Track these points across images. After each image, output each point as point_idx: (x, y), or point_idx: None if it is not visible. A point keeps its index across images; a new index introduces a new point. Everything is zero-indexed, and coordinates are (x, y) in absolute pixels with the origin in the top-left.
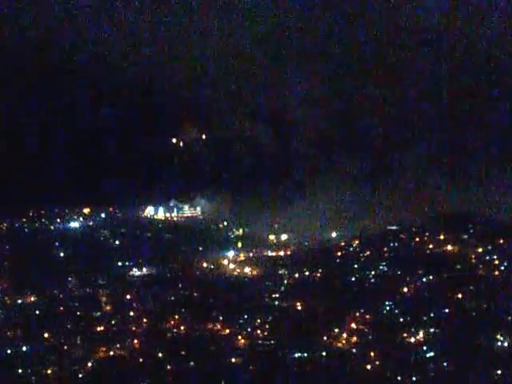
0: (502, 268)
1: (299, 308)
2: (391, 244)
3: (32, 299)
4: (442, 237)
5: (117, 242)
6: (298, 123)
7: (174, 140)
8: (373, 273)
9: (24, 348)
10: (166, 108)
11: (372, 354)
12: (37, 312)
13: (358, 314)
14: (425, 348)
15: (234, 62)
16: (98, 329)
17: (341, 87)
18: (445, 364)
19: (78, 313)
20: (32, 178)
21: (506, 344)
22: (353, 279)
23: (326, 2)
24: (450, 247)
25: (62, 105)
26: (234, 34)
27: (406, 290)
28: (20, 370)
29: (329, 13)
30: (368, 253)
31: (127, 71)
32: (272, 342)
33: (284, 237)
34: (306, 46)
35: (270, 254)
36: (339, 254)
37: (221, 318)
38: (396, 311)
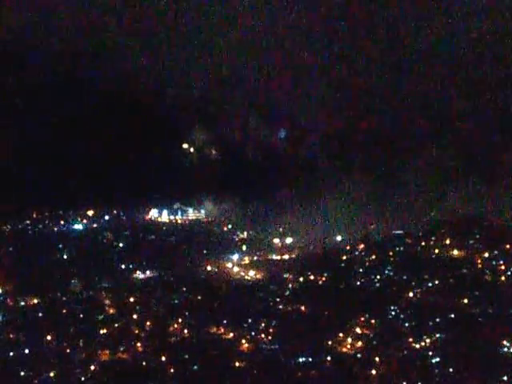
0: (509, 273)
1: (304, 312)
2: (397, 248)
3: (35, 301)
4: (447, 241)
5: (120, 245)
6: (307, 127)
7: (186, 145)
8: (378, 277)
9: (26, 350)
10: (176, 112)
11: (377, 359)
12: (39, 314)
13: (362, 319)
14: (430, 353)
15: (246, 66)
16: (101, 332)
17: (350, 91)
18: (450, 369)
19: (81, 315)
20: (36, 180)
21: (511, 350)
22: (358, 283)
23: (339, 5)
24: (455, 252)
25: (69, 107)
26: (245, 36)
27: (411, 294)
28: (22, 373)
29: (342, 14)
30: (373, 257)
31: (137, 75)
32: (276, 346)
33: (289, 240)
34: (320, 48)
35: (274, 257)
36: (344, 258)
37: (225, 322)
38: (401, 316)
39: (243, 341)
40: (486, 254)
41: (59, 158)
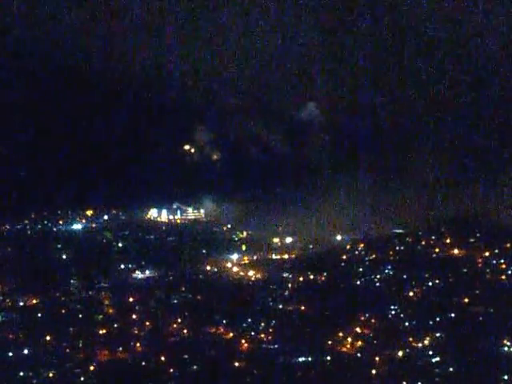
0: (510, 272)
1: (303, 312)
2: (397, 247)
3: (34, 302)
4: (448, 240)
5: (119, 245)
6: (308, 127)
7: (187, 147)
8: (378, 276)
9: (25, 351)
10: (176, 110)
11: (377, 358)
12: (38, 315)
13: (363, 318)
14: (431, 353)
15: (246, 64)
16: (101, 332)
17: (350, 91)
18: (451, 369)
19: (80, 315)
20: (34, 179)
21: None
22: (358, 283)
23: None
24: (456, 251)
25: (67, 107)
26: (246, 35)
27: (411, 294)
28: (21, 373)
29: (344, 12)
30: (373, 256)
31: (136, 74)
32: (276, 346)
33: (288, 240)
34: (321, 46)
35: (274, 257)
36: (344, 257)
37: (224, 322)
38: (402, 315)
39: (243, 341)
40: (487, 253)
41: (58, 157)
